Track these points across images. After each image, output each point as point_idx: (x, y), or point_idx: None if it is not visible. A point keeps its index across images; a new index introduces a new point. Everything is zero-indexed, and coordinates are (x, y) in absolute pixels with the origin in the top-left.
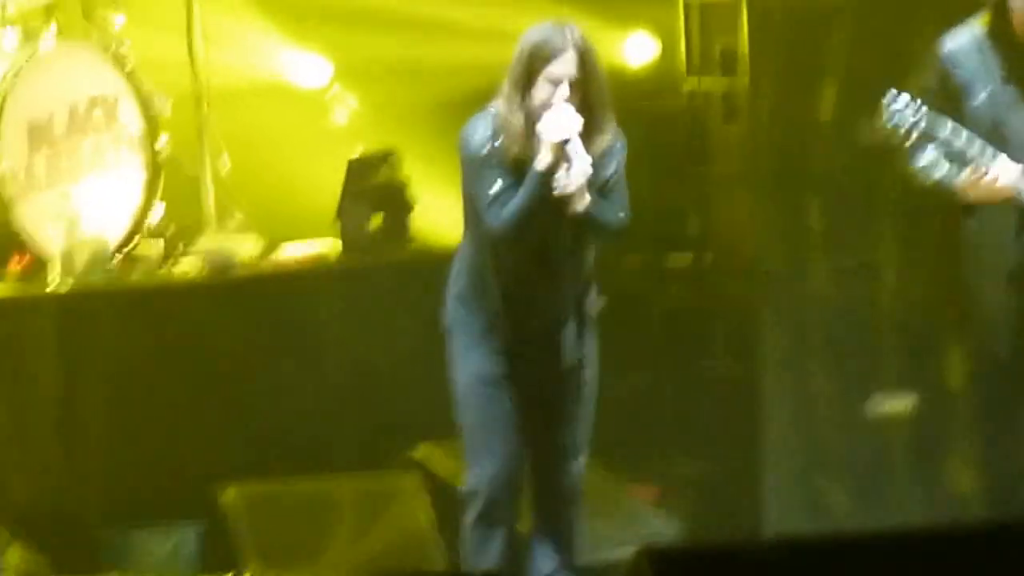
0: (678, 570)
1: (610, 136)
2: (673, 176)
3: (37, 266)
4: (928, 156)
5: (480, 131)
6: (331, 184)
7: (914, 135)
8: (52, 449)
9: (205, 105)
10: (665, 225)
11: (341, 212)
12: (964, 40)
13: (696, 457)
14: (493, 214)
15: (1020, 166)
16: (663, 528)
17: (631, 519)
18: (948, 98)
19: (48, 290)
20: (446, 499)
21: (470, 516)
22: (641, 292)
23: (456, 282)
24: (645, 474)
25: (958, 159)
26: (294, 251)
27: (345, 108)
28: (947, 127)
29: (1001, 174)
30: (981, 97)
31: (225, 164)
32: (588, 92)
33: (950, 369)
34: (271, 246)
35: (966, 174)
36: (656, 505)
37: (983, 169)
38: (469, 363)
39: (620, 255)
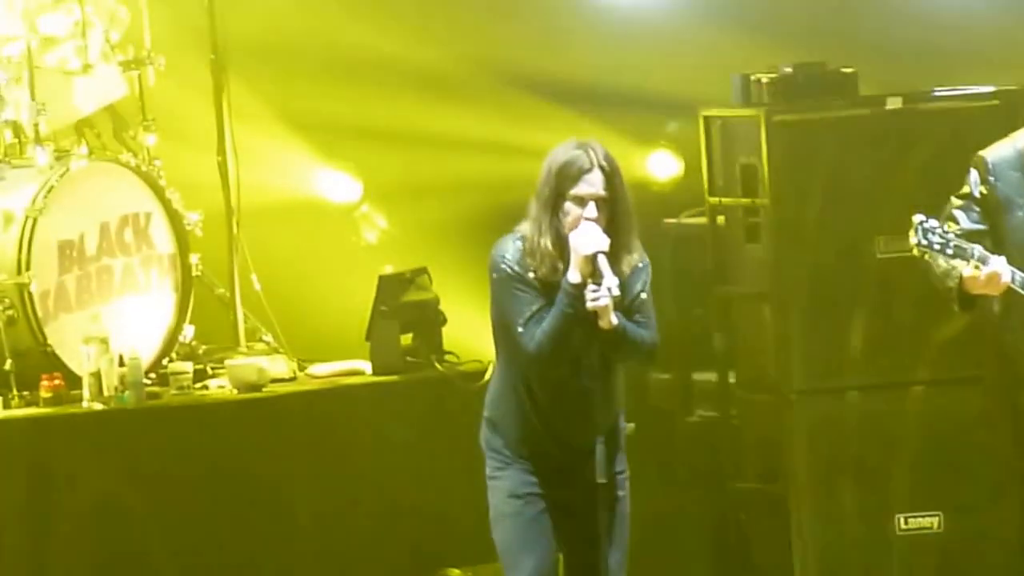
0: None
1: (636, 255)
2: (697, 294)
3: (68, 387)
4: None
5: (510, 253)
6: (362, 302)
7: (941, 260)
8: (84, 571)
9: (236, 224)
10: (691, 343)
11: (372, 330)
12: (1006, 154)
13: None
14: (527, 336)
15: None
16: None
17: None
18: (988, 211)
19: (80, 410)
20: None
21: None
22: (667, 410)
23: (490, 407)
24: None
25: (960, 255)
26: (324, 370)
27: (374, 226)
28: (971, 249)
29: (999, 268)
30: (1020, 214)
31: (256, 283)
32: (614, 212)
33: (980, 487)
34: (302, 365)
35: (967, 269)
36: None
37: (986, 265)
38: (503, 483)
39: (646, 373)
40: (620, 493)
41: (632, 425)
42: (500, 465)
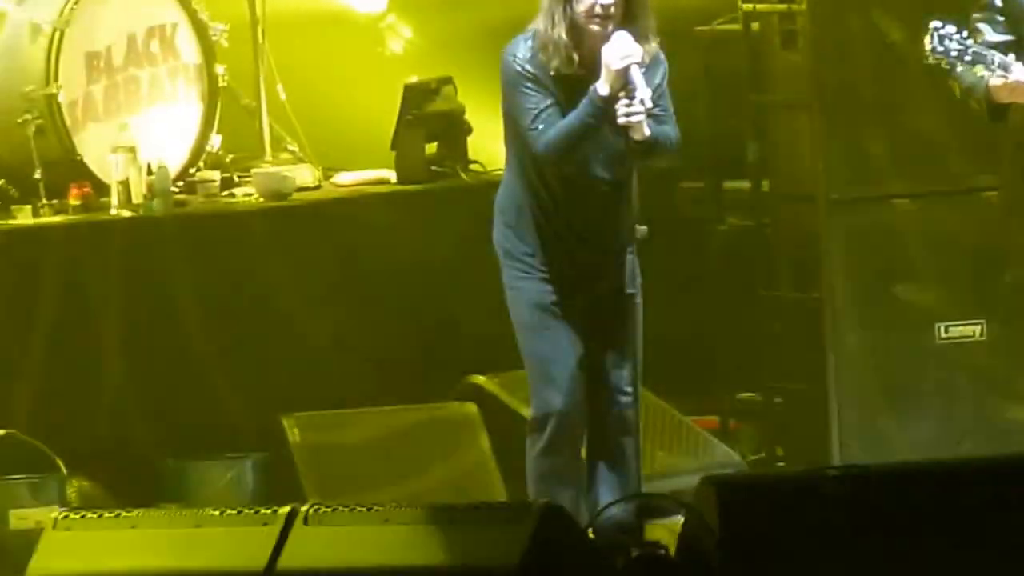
0: (743, 500)
1: (654, 44)
2: (731, 102)
3: (97, 195)
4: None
5: (520, 51)
6: (387, 112)
7: (959, 66)
8: (113, 380)
9: (261, 34)
10: (723, 152)
11: (397, 139)
12: None
13: (759, 386)
14: (535, 134)
15: None
16: (727, 458)
17: (694, 449)
18: (1012, 20)
19: (108, 218)
20: (504, 429)
21: (535, 446)
22: (699, 218)
23: (502, 208)
24: (706, 404)
25: (986, 65)
26: (349, 179)
27: (400, 37)
28: (991, 55)
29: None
30: None
31: (281, 93)
32: (630, 1)
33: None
34: (327, 174)
35: (993, 79)
36: (718, 435)
37: (1009, 73)
38: (525, 293)
39: (677, 181)
40: (636, 297)
41: (645, 228)
42: (520, 275)
